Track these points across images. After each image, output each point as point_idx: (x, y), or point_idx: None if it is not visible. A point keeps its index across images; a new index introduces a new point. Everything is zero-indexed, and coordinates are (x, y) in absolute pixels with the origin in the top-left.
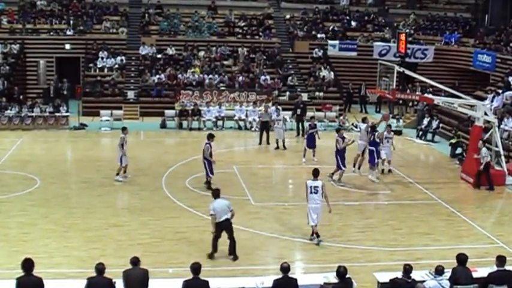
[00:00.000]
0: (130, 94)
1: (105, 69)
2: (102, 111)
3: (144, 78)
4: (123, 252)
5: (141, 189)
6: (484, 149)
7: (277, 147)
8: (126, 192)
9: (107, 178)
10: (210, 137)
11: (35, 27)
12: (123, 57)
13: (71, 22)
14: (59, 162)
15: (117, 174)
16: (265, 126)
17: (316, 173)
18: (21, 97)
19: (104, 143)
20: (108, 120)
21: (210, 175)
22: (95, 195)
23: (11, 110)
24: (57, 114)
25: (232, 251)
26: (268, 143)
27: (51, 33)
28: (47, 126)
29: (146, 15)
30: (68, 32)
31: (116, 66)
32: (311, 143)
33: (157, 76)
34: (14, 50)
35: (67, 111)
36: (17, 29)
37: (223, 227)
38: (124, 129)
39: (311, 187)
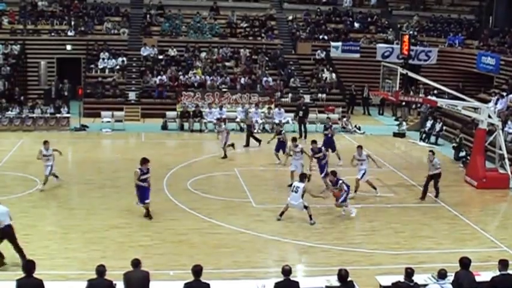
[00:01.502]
0: (132, 95)
1: (106, 70)
2: (103, 113)
3: (146, 79)
4: (124, 254)
5: None
6: (436, 159)
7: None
8: (127, 193)
9: (107, 180)
10: (143, 162)
11: (36, 27)
12: (125, 58)
13: (72, 23)
14: (60, 163)
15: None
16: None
17: (302, 177)
18: (22, 98)
19: (104, 145)
20: (109, 122)
21: (140, 203)
22: (95, 196)
23: (11, 111)
24: (58, 115)
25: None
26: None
27: (52, 33)
28: (47, 128)
29: (148, 16)
30: (69, 33)
31: (117, 67)
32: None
33: (159, 77)
34: (15, 50)
35: (68, 113)
36: (18, 29)
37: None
38: (45, 142)
39: (294, 186)
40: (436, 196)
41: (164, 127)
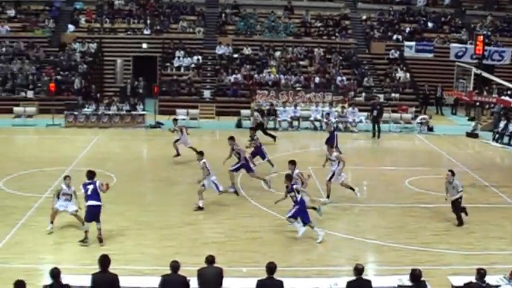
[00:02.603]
0: (207, 93)
1: (182, 69)
2: (178, 110)
3: (220, 77)
4: (198, 250)
5: None
6: (457, 181)
7: None
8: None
9: (182, 176)
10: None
11: (112, 26)
12: (200, 57)
13: (148, 21)
14: (135, 160)
15: None
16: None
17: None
18: (98, 95)
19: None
20: (184, 119)
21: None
22: (170, 193)
23: (88, 108)
24: (133, 112)
25: None
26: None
27: (129, 32)
28: (123, 125)
29: (223, 15)
30: (145, 32)
31: (193, 65)
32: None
33: (234, 76)
34: (92, 49)
35: (143, 110)
36: (95, 28)
37: None
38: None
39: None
40: (460, 224)
41: (238, 125)
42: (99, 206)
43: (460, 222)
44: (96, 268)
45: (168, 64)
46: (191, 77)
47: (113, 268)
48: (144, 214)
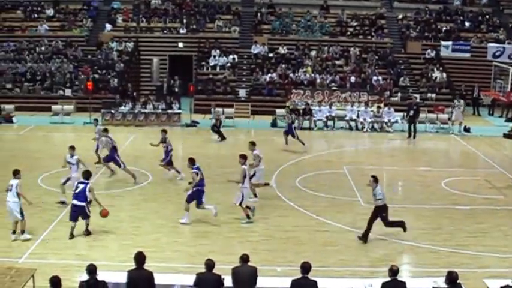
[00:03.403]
0: (242, 92)
1: (217, 68)
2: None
3: (256, 77)
4: (232, 249)
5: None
6: (378, 188)
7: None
8: (236, 189)
9: (217, 175)
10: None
11: (149, 25)
12: (235, 56)
13: (184, 21)
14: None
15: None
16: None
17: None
18: (134, 94)
19: (215, 141)
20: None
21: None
22: (205, 191)
23: (124, 106)
24: (169, 111)
25: None
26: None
27: (165, 31)
28: (159, 123)
29: (258, 14)
30: (181, 31)
31: (228, 64)
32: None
33: (269, 75)
34: (129, 47)
35: (179, 109)
36: (132, 27)
37: None
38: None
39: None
40: (361, 238)
41: (274, 124)
42: (82, 207)
43: (363, 236)
44: (131, 265)
45: (203, 63)
46: (227, 76)
47: (147, 265)
48: (179, 212)
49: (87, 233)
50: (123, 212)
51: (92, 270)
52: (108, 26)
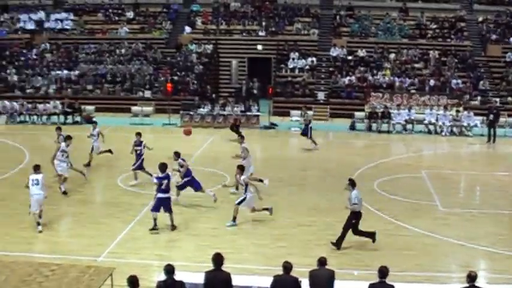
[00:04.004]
0: (320, 95)
1: (296, 70)
2: (292, 112)
3: (335, 79)
4: (310, 251)
5: (328, 190)
6: (354, 192)
7: None
8: (313, 192)
9: (295, 178)
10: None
11: (228, 28)
12: (314, 59)
13: (263, 23)
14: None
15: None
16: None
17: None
18: (213, 96)
19: (293, 143)
20: (298, 121)
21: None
22: (283, 194)
23: (203, 108)
24: (248, 113)
25: None
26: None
27: (244, 34)
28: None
29: (337, 16)
30: (260, 33)
31: (307, 67)
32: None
33: (348, 78)
34: (208, 50)
35: (258, 111)
36: (211, 29)
37: None
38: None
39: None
40: (337, 245)
41: (352, 127)
42: (167, 199)
43: (337, 243)
44: (209, 266)
45: (282, 65)
46: (305, 79)
47: (225, 266)
48: (257, 214)
49: (173, 228)
50: (201, 213)
51: (170, 270)
52: (188, 29)
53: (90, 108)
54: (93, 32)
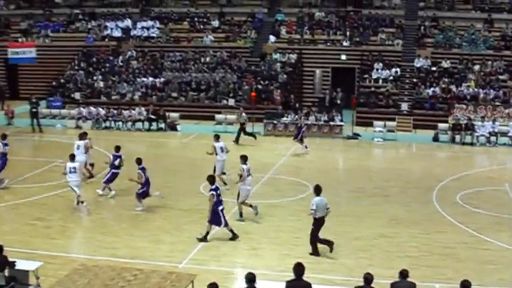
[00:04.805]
0: (404, 106)
1: (380, 81)
2: (375, 122)
3: (418, 90)
4: (391, 263)
5: (411, 202)
6: (316, 199)
7: None
8: (396, 203)
9: (378, 188)
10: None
11: (312, 37)
12: (398, 69)
13: (348, 33)
14: (331, 170)
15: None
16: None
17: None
18: (297, 105)
19: (376, 154)
20: (381, 131)
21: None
22: (365, 204)
23: (287, 117)
24: (331, 123)
25: None
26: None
27: (328, 43)
28: (321, 135)
29: (422, 27)
30: (344, 43)
31: (391, 77)
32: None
33: (432, 89)
34: (292, 59)
35: (341, 121)
36: (295, 39)
37: None
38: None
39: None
40: (315, 253)
41: (435, 139)
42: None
43: (313, 251)
44: (290, 275)
45: (366, 76)
46: (389, 89)
47: (306, 276)
48: (338, 224)
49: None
50: (283, 222)
51: (251, 278)
52: (272, 38)
53: (175, 115)
54: (178, 40)
